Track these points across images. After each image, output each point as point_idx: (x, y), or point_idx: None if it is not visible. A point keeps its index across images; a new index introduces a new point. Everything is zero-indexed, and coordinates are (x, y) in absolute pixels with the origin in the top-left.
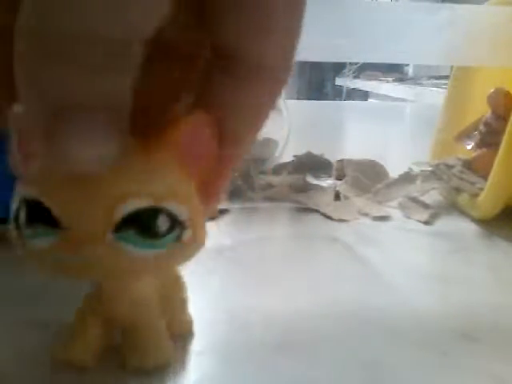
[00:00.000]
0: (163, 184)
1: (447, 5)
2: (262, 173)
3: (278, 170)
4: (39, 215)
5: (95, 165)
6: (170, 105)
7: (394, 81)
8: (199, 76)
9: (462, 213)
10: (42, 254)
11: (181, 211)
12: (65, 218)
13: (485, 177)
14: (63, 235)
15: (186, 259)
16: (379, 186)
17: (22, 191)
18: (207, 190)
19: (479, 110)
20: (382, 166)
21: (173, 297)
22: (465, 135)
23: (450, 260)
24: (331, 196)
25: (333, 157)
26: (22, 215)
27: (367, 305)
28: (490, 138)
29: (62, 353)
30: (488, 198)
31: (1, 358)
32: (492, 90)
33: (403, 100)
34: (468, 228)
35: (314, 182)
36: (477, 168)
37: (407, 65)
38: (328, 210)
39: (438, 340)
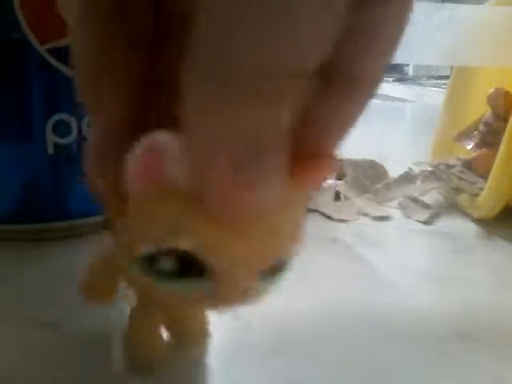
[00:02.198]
0: (299, 227)
1: (447, 5)
2: None
3: None
4: (189, 266)
5: (263, 211)
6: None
7: (393, 81)
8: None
9: (462, 213)
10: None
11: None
12: (221, 271)
13: (485, 177)
14: (216, 288)
15: None
16: (379, 186)
17: (172, 242)
18: None
19: (479, 110)
20: (382, 166)
21: None
22: (465, 135)
23: (450, 260)
24: (331, 196)
25: None
26: (167, 266)
27: (367, 304)
28: (490, 137)
29: (144, 362)
30: (488, 198)
31: (6, 358)
32: (492, 90)
33: (403, 100)
34: (468, 228)
35: None
36: (477, 168)
37: (407, 65)
38: (328, 210)
39: (438, 340)
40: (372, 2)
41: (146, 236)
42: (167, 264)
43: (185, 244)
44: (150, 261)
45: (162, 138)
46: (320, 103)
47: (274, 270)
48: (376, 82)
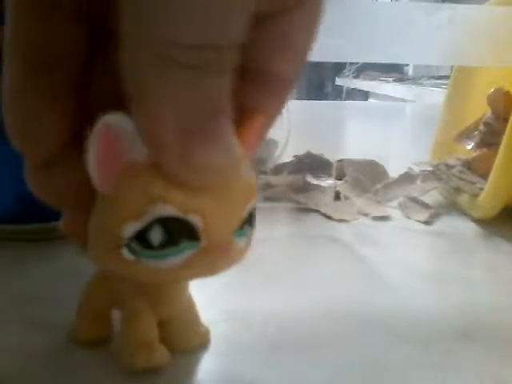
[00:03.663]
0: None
1: (447, 5)
2: (262, 173)
3: (278, 169)
4: (181, 231)
5: (231, 169)
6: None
7: (394, 81)
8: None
9: (462, 213)
10: (177, 269)
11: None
12: (208, 228)
13: (485, 177)
14: (203, 245)
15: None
16: (379, 186)
17: (154, 211)
18: None
19: (479, 110)
20: (382, 166)
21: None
22: (465, 135)
23: (450, 260)
24: (331, 196)
25: (333, 157)
26: (159, 235)
27: (367, 305)
28: (490, 137)
29: (144, 362)
30: (488, 198)
31: (6, 358)
32: (492, 90)
33: (403, 100)
34: (468, 228)
35: (314, 182)
36: (477, 168)
37: (407, 65)
38: (328, 210)
39: (438, 340)
40: (284, 7)
41: (128, 213)
42: (156, 234)
43: (163, 209)
44: (138, 239)
45: (115, 119)
46: (244, 99)
47: (243, 222)
48: (292, 81)
